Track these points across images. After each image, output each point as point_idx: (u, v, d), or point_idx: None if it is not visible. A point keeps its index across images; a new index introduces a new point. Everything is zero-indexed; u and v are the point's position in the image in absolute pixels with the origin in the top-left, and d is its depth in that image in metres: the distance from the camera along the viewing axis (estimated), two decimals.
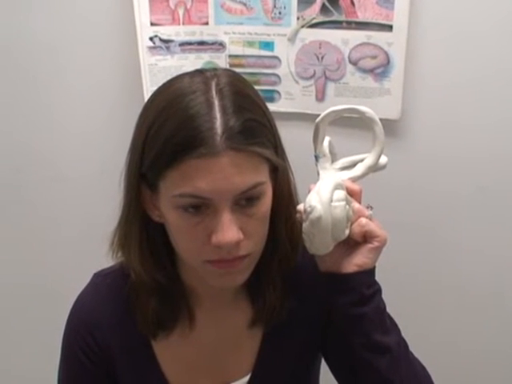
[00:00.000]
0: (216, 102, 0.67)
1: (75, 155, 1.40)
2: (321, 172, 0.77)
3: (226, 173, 0.66)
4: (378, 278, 0.76)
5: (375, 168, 0.77)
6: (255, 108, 0.70)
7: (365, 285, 0.73)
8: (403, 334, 0.78)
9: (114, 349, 0.83)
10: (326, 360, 0.89)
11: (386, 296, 0.76)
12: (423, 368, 0.80)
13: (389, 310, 0.77)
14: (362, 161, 0.77)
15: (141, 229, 0.76)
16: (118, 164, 0.77)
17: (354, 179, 0.76)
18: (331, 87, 1.30)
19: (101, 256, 0.81)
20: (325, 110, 0.75)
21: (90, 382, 0.85)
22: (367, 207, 0.75)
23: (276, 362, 0.85)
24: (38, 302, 1.49)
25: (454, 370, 1.37)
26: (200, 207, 0.68)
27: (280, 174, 0.75)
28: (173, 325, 0.82)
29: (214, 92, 0.68)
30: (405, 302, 1.27)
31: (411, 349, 0.79)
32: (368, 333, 0.73)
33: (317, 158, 0.77)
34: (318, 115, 0.75)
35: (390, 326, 0.75)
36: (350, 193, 0.74)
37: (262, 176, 0.70)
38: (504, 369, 1.42)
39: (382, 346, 0.73)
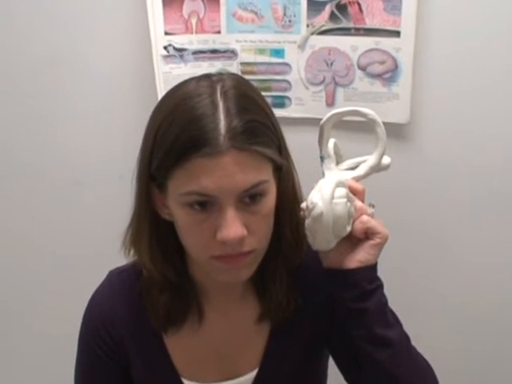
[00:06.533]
0: (220, 104, 0.70)
1: (94, 160, 1.43)
2: (326, 172, 0.79)
3: (229, 171, 0.68)
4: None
5: (378, 168, 0.79)
6: (258, 110, 0.73)
7: (367, 280, 0.75)
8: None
9: (127, 343, 0.86)
10: (332, 355, 0.90)
11: (391, 298, 0.78)
12: (426, 362, 0.81)
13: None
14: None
15: (151, 227, 0.79)
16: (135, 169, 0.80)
17: (357, 179, 0.79)
18: (340, 92, 1.32)
19: (118, 258, 0.85)
20: None
21: (106, 375, 0.88)
22: (369, 205, 0.78)
23: (283, 356, 0.87)
24: (56, 301, 1.52)
25: (455, 364, 1.36)
26: (206, 204, 0.71)
27: (284, 174, 0.78)
28: (183, 319, 0.85)
29: (218, 95, 0.71)
30: (409, 304, 1.26)
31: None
32: (370, 326, 0.74)
33: (322, 158, 0.79)
34: None
35: (392, 321, 0.77)
36: (354, 192, 0.76)
37: (265, 175, 0.72)
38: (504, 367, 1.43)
39: (383, 340, 0.75)
